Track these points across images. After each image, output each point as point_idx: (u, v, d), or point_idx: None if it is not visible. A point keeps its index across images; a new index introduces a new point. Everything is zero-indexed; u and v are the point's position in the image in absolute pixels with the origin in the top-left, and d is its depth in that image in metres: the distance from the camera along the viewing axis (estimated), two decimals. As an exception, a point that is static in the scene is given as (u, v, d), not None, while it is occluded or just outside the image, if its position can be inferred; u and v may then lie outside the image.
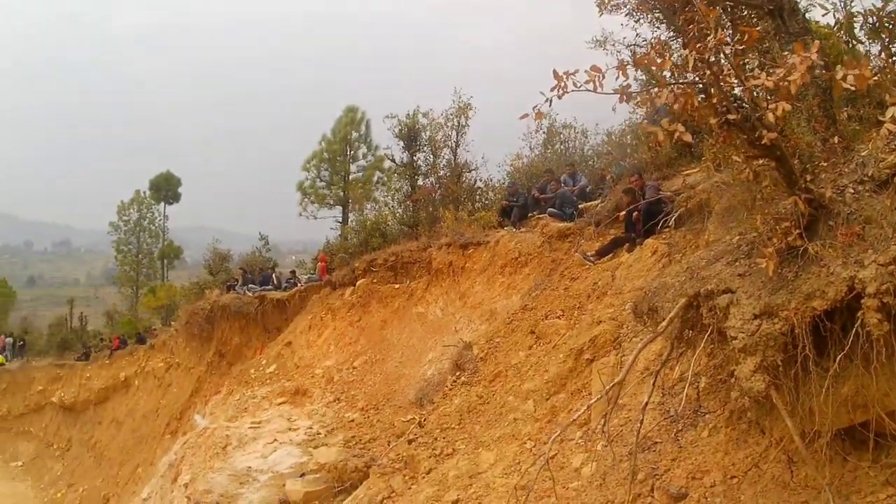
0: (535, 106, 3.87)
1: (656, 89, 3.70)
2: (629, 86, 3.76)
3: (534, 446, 6.81)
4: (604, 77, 3.70)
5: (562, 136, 18.45)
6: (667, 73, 3.86)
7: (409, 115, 17.94)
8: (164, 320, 31.74)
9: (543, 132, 18.19)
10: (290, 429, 11.47)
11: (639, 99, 4.08)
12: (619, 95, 3.73)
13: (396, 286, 14.57)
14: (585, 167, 15.46)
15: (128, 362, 28.40)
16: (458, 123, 17.45)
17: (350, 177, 27.91)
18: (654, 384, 4.57)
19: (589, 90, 3.75)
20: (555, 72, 3.75)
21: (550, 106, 3.83)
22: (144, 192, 53.70)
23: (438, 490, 6.94)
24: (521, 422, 7.38)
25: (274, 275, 22.15)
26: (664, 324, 4.26)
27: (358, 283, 15.49)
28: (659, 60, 3.69)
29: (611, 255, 9.78)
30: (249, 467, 9.61)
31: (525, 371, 8.48)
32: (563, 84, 3.70)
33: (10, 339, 40.75)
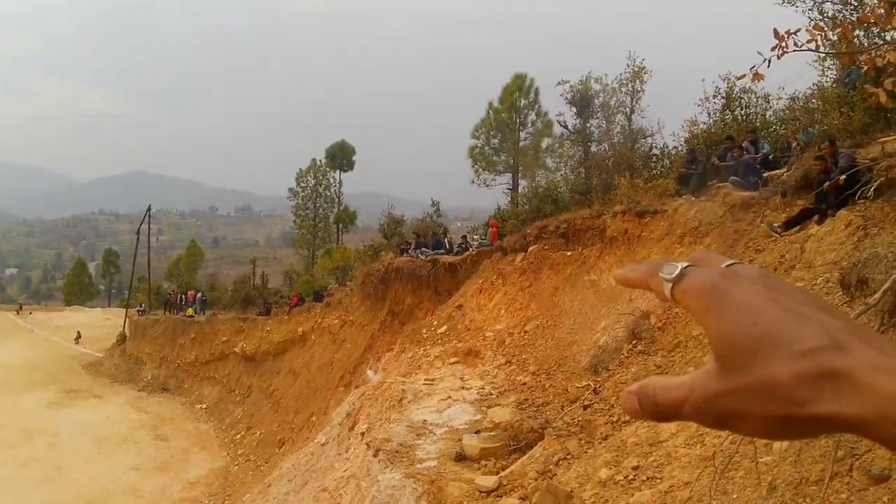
0: (753, 66, 3.72)
1: (884, 47, 3.45)
2: (856, 45, 3.53)
3: (717, 418, 6.62)
4: (824, 37, 3.49)
5: (742, 101, 17.39)
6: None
7: (581, 80, 17.60)
8: (339, 280, 33.12)
9: (722, 97, 17.26)
10: (462, 387, 11.76)
11: (862, 58, 3.83)
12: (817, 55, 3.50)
13: (568, 253, 14.45)
14: (767, 134, 14.52)
15: (305, 318, 29.95)
16: (633, 88, 16.93)
17: (519, 144, 27.77)
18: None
19: (811, 50, 3.55)
20: (775, 31, 3.56)
21: (769, 66, 3.66)
22: (321, 161, 56.33)
23: (616, 455, 6.90)
24: (705, 393, 7.19)
25: (446, 239, 22.64)
26: (877, 296, 4.00)
27: (529, 249, 15.51)
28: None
29: (799, 227, 9.19)
30: (425, 420, 9.96)
31: (707, 343, 8.24)
32: (783, 44, 3.52)
33: (199, 294, 44.24)
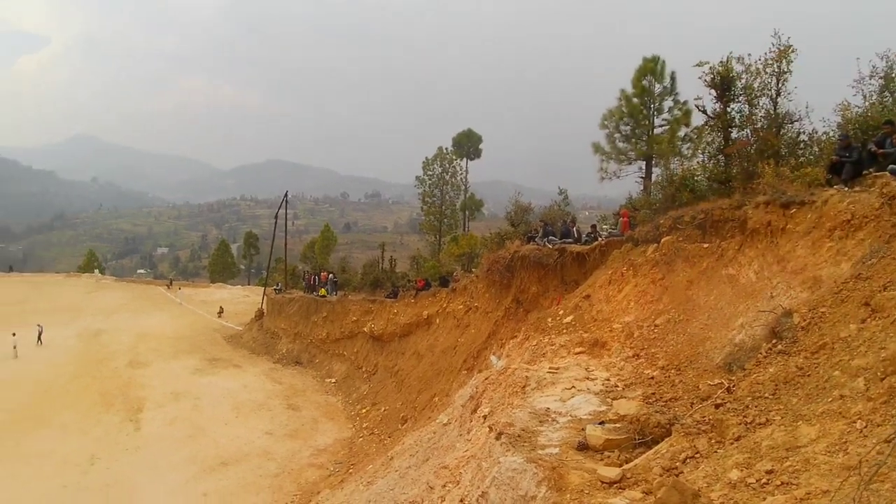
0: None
1: None
2: None
3: (865, 427, 6.10)
4: None
5: (902, 81, 15.88)
6: None
7: (722, 61, 16.63)
8: (464, 267, 33.34)
9: (880, 77, 15.85)
10: (587, 378, 11.51)
11: None
12: None
13: (705, 245, 13.77)
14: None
15: (431, 302, 30.35)
16: (779, 69, 15.85)
17: (654, 131, 26.75)
18: None
19: None
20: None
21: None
22: (447, 149, 56.78)
23: (749, 458, 6.52)
24: (850, 399, 6.63)
25: (574, 228, 22.22)
26: None
27: (662, 240, 14.90)
28: None
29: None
30: (548, 408, 9.80)
31: (856, 346, 7.59)
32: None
33: (331, 276, 45.65)
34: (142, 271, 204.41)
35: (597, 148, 27.51)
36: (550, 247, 21.02)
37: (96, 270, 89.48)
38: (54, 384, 36.68)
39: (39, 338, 46.23)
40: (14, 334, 43.80)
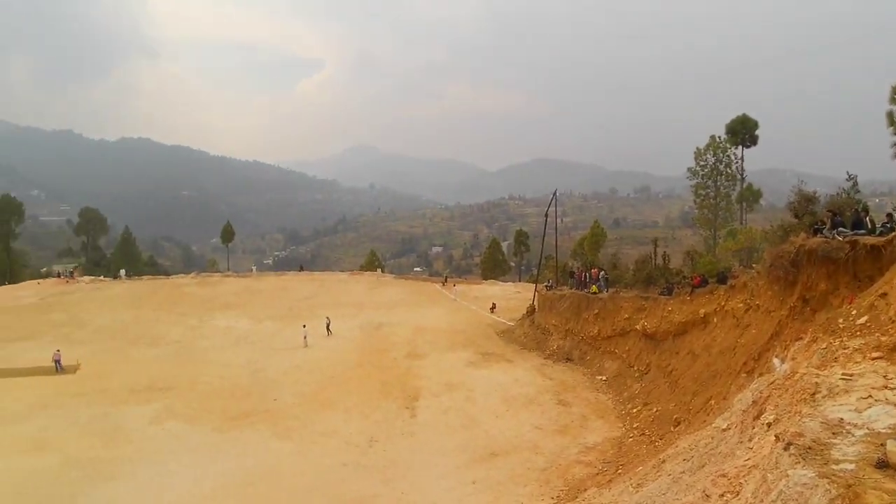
0: None
1: None
2: None
3: None
4: None
5: None
6: None
7: None
8: (743, 262, 31.77)
9: None
10: (885, 387, 10.52)
11: None
12: None
13: None
14: None
15: (707, 300, 29.16)
16: None
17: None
18: None
19: None
20: None
21: None
22: (720, 137, 54.09)
23: None
24: None
25: (867, 218, 20.22)
26: None
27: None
28: None
29: None
30: (841, 419, 9.16)
31: None
32: None
33: (602, 273, 45.55)
34: (418, 269, 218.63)
35: (891, 119, 24.74)
36: (840, 239, 19.30)
37: (379, 269, 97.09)
38: (340, 371, 40.71)
39: (328, 328, 51.60)
40: (304, 326, 49.77)
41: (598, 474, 22.90)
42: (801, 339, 16.76)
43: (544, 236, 60.39)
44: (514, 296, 66.23)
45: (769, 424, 11.02)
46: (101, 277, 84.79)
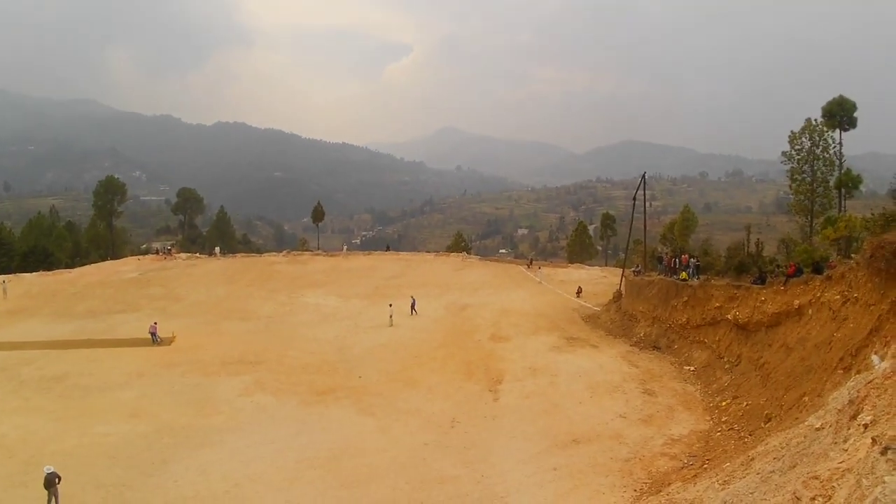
0: None
1: None
2: None
3: None
4: None
5: None
6: None
7: None
8: (841, 252, 30.43)
9: None
10: None
11: None
12: None
13: None
14: None
15: (802, 291, 28.04)
16: None
17: None
18: None
19: None
20: None
21: None
22: (817, 120, 51.77)
23: None
24: None
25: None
26: None
27: None
28: None
29: None
30: (942, 422, 8.76)
31: None
32: None
33: (693, 259, 44.41)
34: (503, 251, 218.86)
35: None
36: (951, 231, 18.33)
37: (465, 251, 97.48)
38: (424, 351, 41.19)
39: (413, 308, 52.15)
40: (391, 305, 50.22)
41: (683, 468, 22.31)
42: (904, 335, 16.02)
43: (632, 220, 59.47)
44: (600, 280, 65.54)
45: (866, 426, 10.55)
46: (197, 254, 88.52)
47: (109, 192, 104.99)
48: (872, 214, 27.06)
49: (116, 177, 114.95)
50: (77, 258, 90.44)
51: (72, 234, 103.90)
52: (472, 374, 35.88)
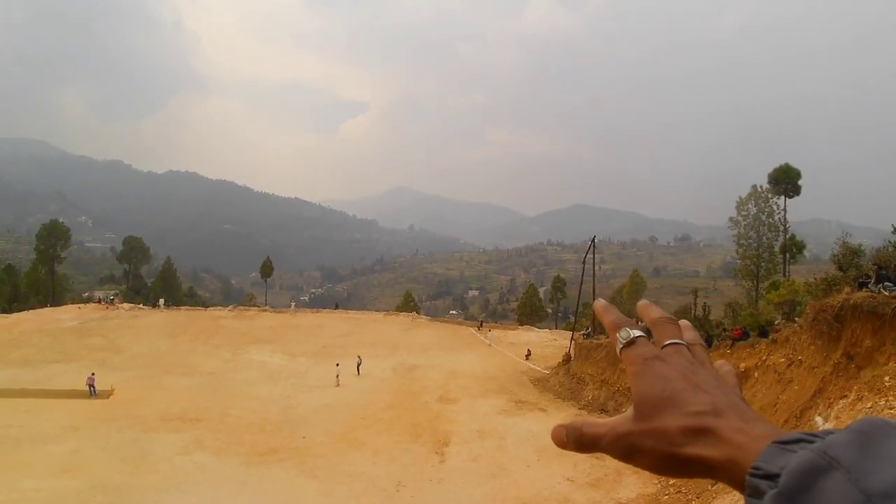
0: None
1: None
2: None
3: None
4: None
5: None
6: None
7: None
8: (786, 315, 30.97)
9: None
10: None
11: None
12: None
13: None
14: None
15: (748, 354, 28.44)
16: None
17: None
18: None
19: None
20: None
21: None
22: (762, 187, 53.44)
23: None
24: None
25: (916, 273, 19.61)
26: None
27: None
28: None
29: None
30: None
31: None
32: None
33: (641, 323, 44.53)
34: (454, 312, 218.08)
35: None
36: (886, 294, 18.73)
37: (415, 311, 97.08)
38: (370, 412, 40.21)
39: (358, 368, 51.12)
40: (338, 364, 49.32)
41: (630, 532, 22.13)
42: (846, 396, 16.22)
43: (582, 283, 59.90)
44: (549, 343, 65.52)
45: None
46: (141, 305, 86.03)
47: (53, 237, 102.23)
48: (815, 279, 27.67)
49: (61, 221, 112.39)
50: (15, 303, 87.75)
51: (10, 278, 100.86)
52: (419, 436, 35.17)
